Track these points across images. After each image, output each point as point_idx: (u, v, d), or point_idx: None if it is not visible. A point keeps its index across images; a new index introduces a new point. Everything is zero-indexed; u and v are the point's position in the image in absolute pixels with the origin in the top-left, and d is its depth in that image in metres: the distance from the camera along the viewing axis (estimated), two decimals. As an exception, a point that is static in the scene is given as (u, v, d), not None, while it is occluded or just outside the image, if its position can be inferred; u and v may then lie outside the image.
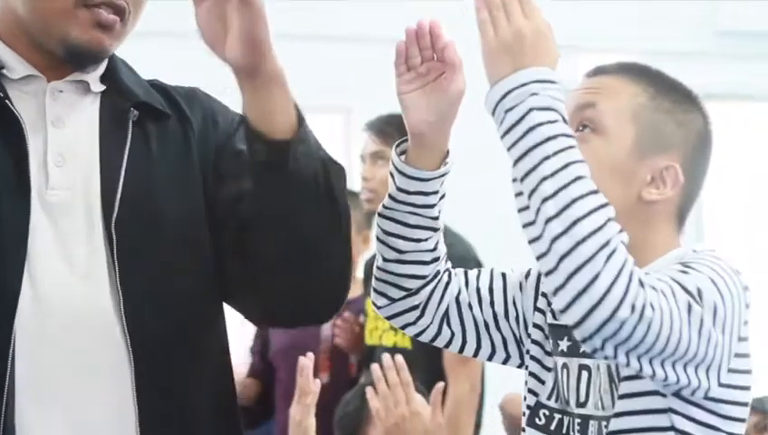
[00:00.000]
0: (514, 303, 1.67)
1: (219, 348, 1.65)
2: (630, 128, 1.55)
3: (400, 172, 1.62)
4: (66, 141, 1.58)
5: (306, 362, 2.42)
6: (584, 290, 1.33)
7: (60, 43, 1.56)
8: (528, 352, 1.64)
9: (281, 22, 5.54)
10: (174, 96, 1.68)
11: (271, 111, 1.52)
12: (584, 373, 1.56)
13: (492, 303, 1.67)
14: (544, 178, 1.36)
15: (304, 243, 1.55)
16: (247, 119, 1.54)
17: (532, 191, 1.37)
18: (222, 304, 1.66)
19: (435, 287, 1.67)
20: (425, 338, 1.70)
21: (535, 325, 1.64)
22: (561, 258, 1.34)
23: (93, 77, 1.63)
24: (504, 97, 1.41)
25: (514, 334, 1.67)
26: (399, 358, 2.43)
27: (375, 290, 1.69)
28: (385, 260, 1.65)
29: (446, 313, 1.68)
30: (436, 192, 1.62)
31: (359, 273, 3.79)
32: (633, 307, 1.33)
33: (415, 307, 1.67)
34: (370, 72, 6.01)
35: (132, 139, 1.60)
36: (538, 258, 1.37)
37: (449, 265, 1.70)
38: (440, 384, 2.52)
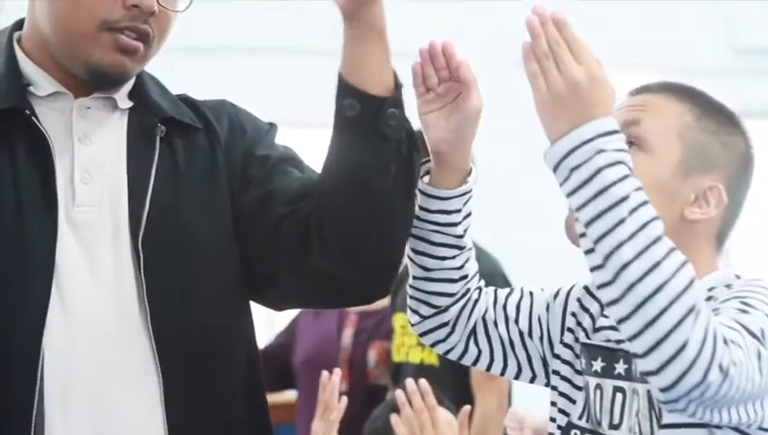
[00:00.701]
0: (539, 322, 1.68)
1: (247, 354, 1.66)
2: (676, 146, 1.55)
3: (421, 192, 1.63)
4: (93, 158, 1.58)
5: (333, 377, 2.42)
6: (675, 356, 1.31)
7: (82, 65, 1.57)
8: (557, 372, 1.64)
9: (295, 38, 5.58)
10: (202, 110, 1.68)
11: (367, 64, 1.52)
12: (618, 395, 1.55)
13: (516, 320, 1.68)
14: (622, 243, 1.32)
15: (378, 207, 1.54)
16: (341, 72, 1.54)
17: (609, 254, 1.33)
18: (249, 308, 1.66)
19: (464, 305, 1.68)
20: (453, 356, 1.71)
21: (565, 345, 1.64)
22: (648, 325, 1.32)
23: (121, 94, 1.63)
24: (567, 155, 1.36)
25: (539, 353, 1.68)
26: (423, 382, 2.43)
27: (409, 308, 1.72)
28: (415, 278, 1.68)
29: (474, 330, 1.69)
30: (458, 210, 1.63)
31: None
32: (720, 367, 1.32)
33: (445, 324, 1.69)
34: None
35: (159, 155, 1.60)
36: (620, 322, 1.34)
37: (482, 283, 1.71)
38: (467, 407, 2.52)
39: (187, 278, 1.58)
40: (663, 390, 1.34)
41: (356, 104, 1.51)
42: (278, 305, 1.70)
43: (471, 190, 1.65)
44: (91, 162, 1.58)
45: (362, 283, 1.61)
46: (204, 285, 1.59)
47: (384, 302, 3.72)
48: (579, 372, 1.62)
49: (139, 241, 1.55)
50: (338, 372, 2.35)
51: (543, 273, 5.20)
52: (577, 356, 1.62)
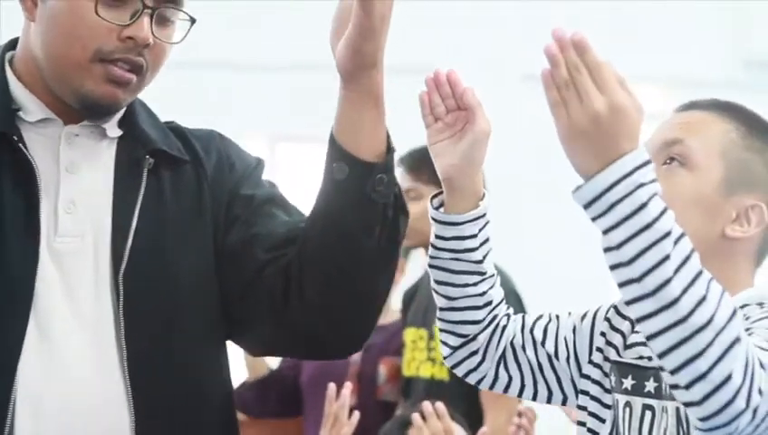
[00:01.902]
0: (566, 343, 1.67)
1: (221, 397, 1.63)
2: (719, 164, 1.54)
3: (435, 220, 1.63)
4: (79, 188, 1.56)
5: (344, 391, 2.39)
6: (719, 387, 1.29)
7: (73, 94, 1.54)
8: (586, 392, 1.63)
9: (302, 53, 5.57)
10: (191, 140, 1.66)
11: (361, 129, 1.51)
12: (648, 413, 1.54)
13: (543, 343, 1.68)
14: (669, 280, 1.28)
15: (360, 268, 1.53)
16: (333, 133, 1.52)
17: (655, 290, 1.29)
18: (226, 350, 1.64)
19: (493, 332, 1.68)
20: (485, 384, 1.70)
21: (594, 365, 1.63)
22: (695, 358, 1.29)
23: (110, 122, 1.60)
24: (608, 190, 1.30)
25: (568, 374, 1.67)
26: (440, 404, 2.42)
27: (441, 340, 1.71)
28: (441, 309, 1.67)
29: (503, 356, 1.68)
30: (474, 236, 1.62)
31: (396, 302, 3.80)
32: (760, 392, 1.31)
33: (474, 353, 1.68)
34: (400, 102, 6.06)
35: (146, 188, 1.58)
36: (662, 355, 1.31)
37: (510, 310, 1.71)
38: (484, 429, 2.50)
39: (167, 317, 1.55)
40: (704, 419, 1.32)
41: (346, 168, 1.50)
42: (253, 350, 1.68)
43: (485, 215, 1.63)
44: (77, 192, 1.55)
45: (337, 339, 1.61)
46: (183, 323, 1.56)
47: (395, 316, 3.71)
48: (608, 391, 1.61)
49: (120, 276, 1.53)
50: (348, 385, 2.33)
51: (550, 285, 5.21)
52: (606, 375, 1.61)
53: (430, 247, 1.65)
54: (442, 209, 1.63)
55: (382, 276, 1.57)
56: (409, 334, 3.43)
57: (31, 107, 1.57)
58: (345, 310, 1.56)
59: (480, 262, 1.64)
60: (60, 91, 1.56)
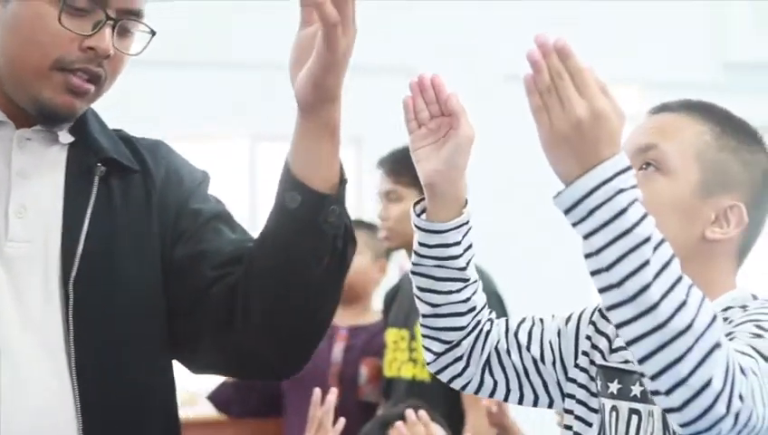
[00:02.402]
0: (551, 346, 1.66)
1: (167, 405, 1.63)
2: (695, 167, 1.53)
3: (418, 227, 1.62)
4: (30, 193, 1.54)
5: (329, 397, 2.38)
6: (699, 393, 1.29)
7: (30, 100, 1.53)
8: (572, 396, 1.63)
9: (284, 53, 5.56)
10: (140, 149, 1.65)
11: (316, 160, 1.50)
12: (634, 417, 1.54)
13: (528, 347, 1.67)
14: (649, 284, 1.28)
15: (307, 297, 1.53)
16: (288, 161, 1.51)
17: (636, 295, 1.29)
18: (171, 361, 1.63)
19: (476, 337, 1.67)
20: (470, 389, 1.69)
21: (580, 368, 1.63)
22: (674, 363, 1.29)
23: (62, 128, 1.58)
24: (587, 195, 1.30)
25: (554, 378, 1.67)
26: (423, 413, 2.42)
27: (423, 346, 1.70)
28: (424, 316, 1.66)
29: (488, 361, 1.68)
30: (458, 243, 1.61)
31: (377, 303, 3.80)
32: (740, 397, 1.30)
33: (459, 358, 1.67)
34: (381, 102, 6.06)
35: (97, 195, 1.56)
36: (642, 360, 1.31)
37: (493, 314, 1.70)
38: None
39: (115, 324, 1.54)
40: (684, 425, 1.32)
41: (299, 197, 1.49)
42: (194, 369, 1.66)
43: (468, 222, 1.62)
44: (28, 197, 1.54)
45: (279, 362, 1.60)
46: (130, 332, 1.55)
47: (376, 317, 3.72)
48: (594, 395, 1.60)
49: (71, 282, 1.51)
50: (334, 391, 2.32)
51: (532, 286, 5.23)
52: (592, 379, 1.61)
53: (413, 255, 1.64)
54: (424, 216, 1.62)
55: (327, 303, 1.57)
56: (391, 335, 3.42)
57: None
58: (288, 335, 1.55)
59: (464, 269, 1.63)
60: (17, 96, 1.54)
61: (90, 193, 1.56)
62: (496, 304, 3.26)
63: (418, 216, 1.63)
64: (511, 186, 5.60)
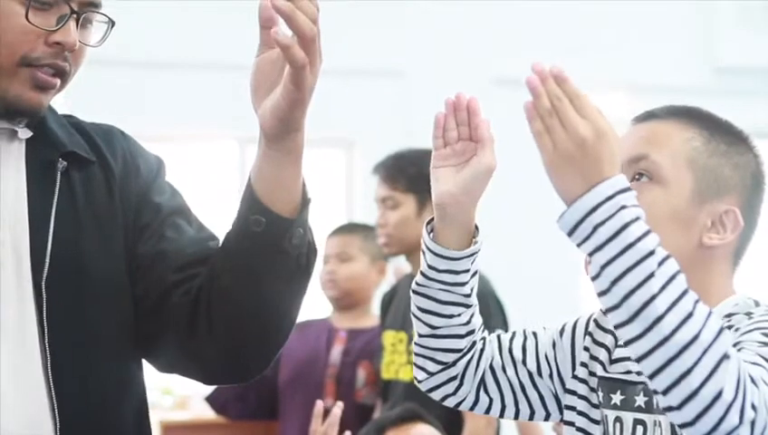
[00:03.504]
0: (547, 359, 1.65)
1: (140, 401, 1.62)
2: (688, 174, 1.52)
3: (430, 250, 1.59)
4: None
5: (334, 410, 2.35)
6: (711, 405, 1.29)
7: None
8: (573, 407, 1.61)
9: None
10: (94, 138, 1.63)
11: (281, 186, 1.50)
12: (639, 428, 1.53)
13: (524, 362, 1.66)
14: (654, 297, 1.29)
15: (269, 312, 1.53)
16: (252, 183, 1.51)
17: (641, 308, 1.30)
18: (141, 360, 1.63)
19: (471, 357, 1.65)
20: (464, 407, 1.68)
21: (579, 380, 1.61)
22: (683, 376, 1.29)
23: (20, 124, 1.56)
24: (591, 212, 1.32)
25: (551, 391, 1.65)
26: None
27: (415, 364, 1.68)
28: (420, 335, 1.64)
29: (483, 380, 1.66)
30: (467, 270, 1.59)
31: (375, 307, 3.80)
32: (753, 407, 1.31)
33: (453, 378, 1.66)
34: (372, 105, 6.07)
35: (60, 191, 1.55)
36: (652, 375, 1.32)
37: (485, 333, 1.68)
38: None
39: (87, 323, 1.53)
40: None
41: (262, 220, 1.49)
42: (160, 368, 1.66)
43: (478, 251, 1.61)
44: None
45: (240, 370, 1.61)
46: (103, 325, 1.55)
47: (374, 320, 3.71)
48: (595, 406, 1.59)
49: (43, 281, 1.50)
50: (340, 405, 2.30)
51: (525, 286, 5.23)
52: (593, 390, 1.59)
53: (419, 275, 1.62)
54: (432, 235, 1.60)
55: (291, 314, 1.57)
56: (388, 337, 3.41)
57: None
58: (251, 343, 1.56)
59: (468, 295, 1.61)
60: None
61: (53, 189, 1.54)
62: (495, 306, 3.25)
63: (429, 234, 1.61)
64: (499, 186, 5.60)
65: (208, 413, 3.94)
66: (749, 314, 1.49)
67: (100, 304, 1.55)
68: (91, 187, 1.59)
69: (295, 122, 1.46)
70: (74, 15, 1.51)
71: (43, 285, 1.50)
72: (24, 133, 1.56)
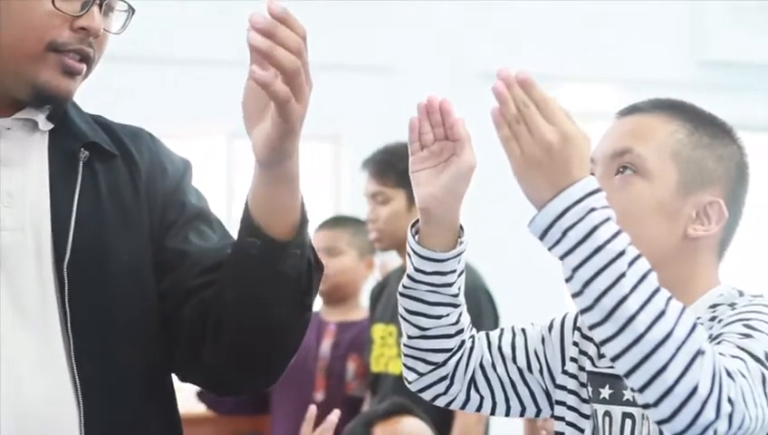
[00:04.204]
0: (537, 355, 1.65)
1: (167, 388, 1.63)
2: (672, 167, 1.53)
3: (416, 253, 1.59)
4: (15, 181, 1.53)
5: (330, 417, 2.34)
6: (686, 401, 1.30)
7: (27, 85, 1.53)
8: (563, 403, 1.61)
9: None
10: (119, 135, 1.64)
11: (276, 208, 1.49)
12: (628, 422, 1.53)
13: (514, 359, 1.66)
14: (626, 296, 1.30)
15: (272, 331, 1.54)
16: (248, 205, 1.50)
17: (613, 308, 1.31)
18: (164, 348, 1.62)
19: (461, 356, 1.65)
20: (455, 406, 1.68)
21: (569, 375, 1.62)
22: (658, 373, 1.30)
23: (41, 115, 1.57)
24: (560, 216, 1.33)
25: (542, 387, 1.65)
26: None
27: (404, 365, 1.68)
28: (409, 337, 1.64)
29: (473, 378, 1.66)
30: (453, 271, 1.59)
31: (364, 300, 3.79)
32: (729, 400, 1.31)
33: (443, 378, 1.65)
34: (359, 99, 6.06)
35: (82, 180, 1.56)
36: (627, 374, 1.32)
37: (474, 331, 1.68)
38: None
39: (109, 308, 1.54)
40: (679, 433, 1.32)
41: (257, 243, 1.49)
42: (178, 374, 1.67)
43: (464, 251, 1.60)
44: (14, 184, 1.53)
45: (249, 382, 1.63)
46: (125, 316, 1.55)
47: (363, 313, 3.71)
48: (585, 401, 1.59)
49: (65, 267, 1.51)
50: (337, 412, 2.28)
51: (513, 280, 5.23)
52: (583, 385, 1.59)
53: (406, 278, 1.61)
54: (418, 237, 1.59)
55: (295, 333, 1.57)
56: (378, 330, 3.41)
57: None
58: (255, 364, 1.57)
59: (456, 295, 1.61)
60: (10, 84, 1.53)
61: (75, 178, 1.56)
62: (485, 299, 3.26)
63: (413, 237, 1.60)
64: (486, 181, 5.60)
65: (198, 408, 3.93)
66: (732, 305, 1.49)
67: (123, 289, 1.55)
68: (115, 179, 1.60)
69: (287, 151, 1.45)
70: (98, 1, 1.53)
71: (65, 270, 1.51)
72: (44, 124, 1.58)
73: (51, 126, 1.58)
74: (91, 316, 1.52)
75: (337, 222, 3.94)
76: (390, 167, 3.35)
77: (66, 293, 1.51)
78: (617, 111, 1.61)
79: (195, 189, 1.69)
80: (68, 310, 1.50)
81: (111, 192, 1.58)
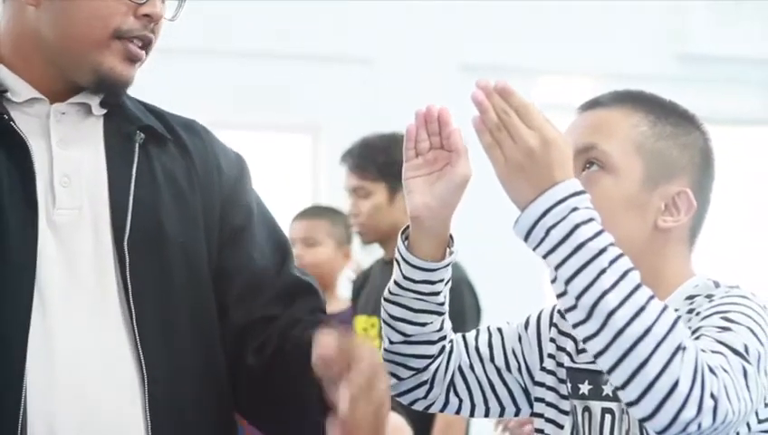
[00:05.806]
0: (514, 354, 1.65)
1: (222, 366, 1.65)
2: (637, 160, 1.53)
3: (405, 261, 1.58)
4: (71, 162, 1.57)
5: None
6: (667, 397, 1.31)
7: (90, 71, 1.57)
8: (542, 399, 1.61)
9: (249, 40, 5.55)
10: (171, 123, 1.68)
11: None
12: (608, 417, 1.53)
13: (492, 358, 1.65)
14: (606, 292, 1.33)
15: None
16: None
17: (594, 305, 1.33)
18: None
19: (441, 361, 1.65)
20: (434, 409, 1.68)
21: (547, 371, 1.61)
22: (639, 369, 1.31)
23: (95, 100, 1.62)
24: (543, 215, 1.36)
25: (520, 385, 1.65)
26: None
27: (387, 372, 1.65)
28: (391, 343, 1.63)
29: (452, 381, 1.66)
30: (442, 280, 1.59)
31: (342, 290, 3.79)
32: (712, 396, 1.31)
33: (423, 383, 1.65)
34: (338, 91, 6.05)
35: (138, 161, 1.60)
36: (609, 371, 1.34)
37: (452, 335, 1.67)
38: None
39: (168, 285, 1.58)
40: (660, 432, 1.33)
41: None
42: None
43: (454, 260, 1.61)
44: (70, 166, 1.57)
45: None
46: (183, 290, 1.59)
47: (344, 305, 3.71)
48: (565, 397, 1.59)
49: (125, 243, 1.55)
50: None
51: (497, 274, 5.23)
52: (561, 381, 1.59)
53: (393, 284, 1.61)
54: (408, 244, 1.59)
55: None
56: (360, 322, 3.41)
57: (17, 87, 1.58)
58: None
59: (442, 303, 1.61)
60: (72, 69, 1.58)
61: (132, 159, 1.60)
62: (468, 290, 3.26)
63: (404, 243, 1.59)
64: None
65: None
66: (710, 297, 1.49)
67: (180, 266, 1.59)
68: (170, 164, 1.64)
69: None
70: None
71: (125, 245, 1.55)
72: (98, 109, 1.62)
73: (104, 111, 1.62)
74: (151, 291, 1.56)
75: (315, 212, 3.93)
76: (370, 160, 3.34)
77: (127, 268, 1.55)
78: (578, 106, 1.61)
79: (254, 192, 1.73)
80: (129, 285, 1.54)
81: (167, 177, 1.63)
